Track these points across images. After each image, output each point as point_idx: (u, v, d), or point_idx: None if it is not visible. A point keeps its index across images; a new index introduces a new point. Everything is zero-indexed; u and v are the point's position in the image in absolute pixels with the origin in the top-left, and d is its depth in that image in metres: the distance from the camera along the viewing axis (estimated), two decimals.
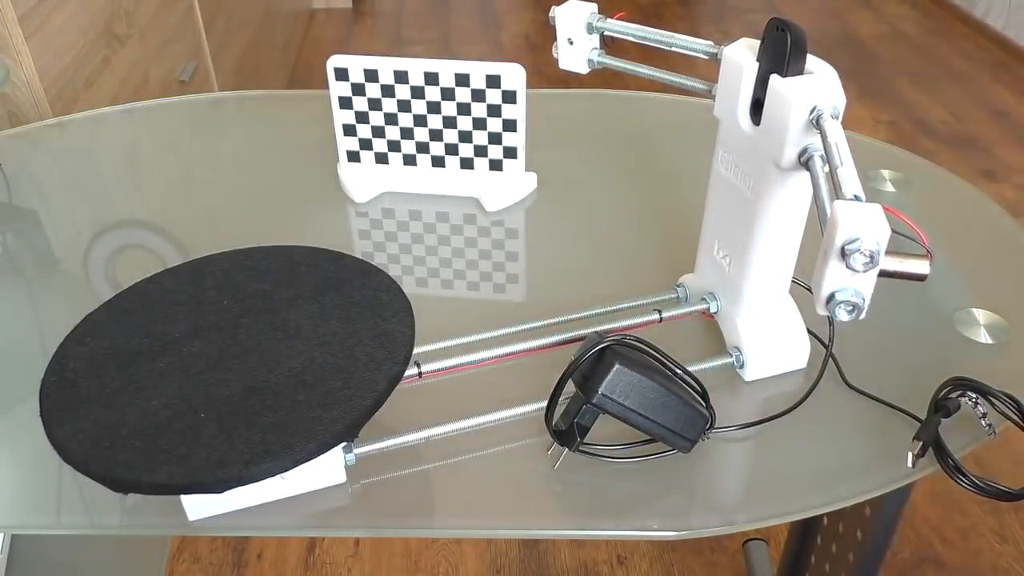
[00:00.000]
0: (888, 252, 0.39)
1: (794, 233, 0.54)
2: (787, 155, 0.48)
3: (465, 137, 0.78)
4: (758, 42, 0.51)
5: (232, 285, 0.56)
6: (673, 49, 0.58)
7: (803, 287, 0.61)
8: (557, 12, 0.62)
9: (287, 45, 2.90)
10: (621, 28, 0.61)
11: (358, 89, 0.77)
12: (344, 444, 0.51)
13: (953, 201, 0.83)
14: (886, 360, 0.60)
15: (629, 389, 0.50)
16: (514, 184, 0.80)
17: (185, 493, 0.48)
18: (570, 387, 0.52)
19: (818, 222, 0.42)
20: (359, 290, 0.55)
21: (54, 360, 0.51)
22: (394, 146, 0.80)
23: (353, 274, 0.57)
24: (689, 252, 0.66)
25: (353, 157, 0.81)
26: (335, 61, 0.76)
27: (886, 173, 0.82)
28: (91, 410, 0.47)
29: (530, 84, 0.76)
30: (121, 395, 0.48)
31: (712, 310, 0.61)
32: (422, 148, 0.80)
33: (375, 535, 1.00)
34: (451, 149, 0.79)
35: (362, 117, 0.78)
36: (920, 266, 0.40)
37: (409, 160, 0.81)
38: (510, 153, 0.78)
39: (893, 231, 0.39)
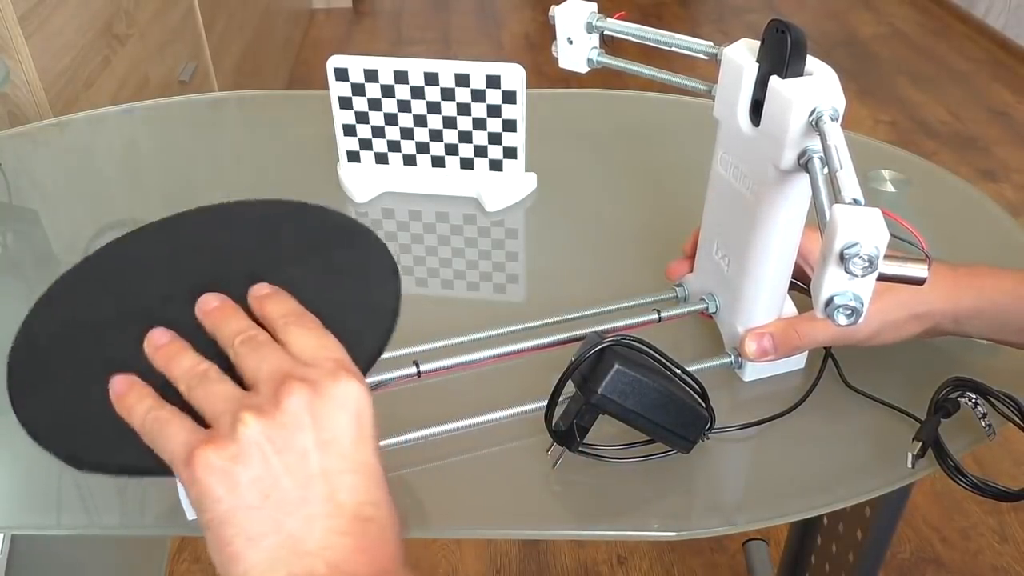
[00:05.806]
0: (886, 256, 0.39)
1: (793, 234, 0.54)
2: (786, 157, 0.48)
3: (465, 137, 0.78)
4: (758, 43, 0.51)
5: (210, 246, 0.52)
6: (673, 49, 0.58)
7: (802, 289, 0.61)
8: (557, 11, 0.62)
9: (287, 45, 2.90)
10: (621, 28, 0.61)
11: (358, 89, 0.77)
12: None
13: (953, 201, 0.82)
14: (886, 360, 0.60)
15: (629, 389, 0.50)
16: (514, 184, 0.80)
17: (152, 475, 0.43)
18: (570, 387, 0.52)
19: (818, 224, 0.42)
20: (344, 252, 0.52)
21: (23, 328, 0.48)
22: (394, 146, 0.80)
23: (339, 233, 0.53)
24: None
25: (353, 157, 0.81)
26: (335, 61, 0.76)
27: (886, 173, 0.82)
28: (59, 385, 0.45)
29: (530, 84, 0.76)
30: (89, 368, 0.45)
31: (711, 310, 0.61)
32: (422, 148, 0.80)
33: None
34: (451, 149, 0.79)
35: (362, 117, 0.78)
36: (918, 270, 0.40)
37: (409, 160, 0.81)
38: (510, 153, 0.79)
39: (892, 235, 0.39)
